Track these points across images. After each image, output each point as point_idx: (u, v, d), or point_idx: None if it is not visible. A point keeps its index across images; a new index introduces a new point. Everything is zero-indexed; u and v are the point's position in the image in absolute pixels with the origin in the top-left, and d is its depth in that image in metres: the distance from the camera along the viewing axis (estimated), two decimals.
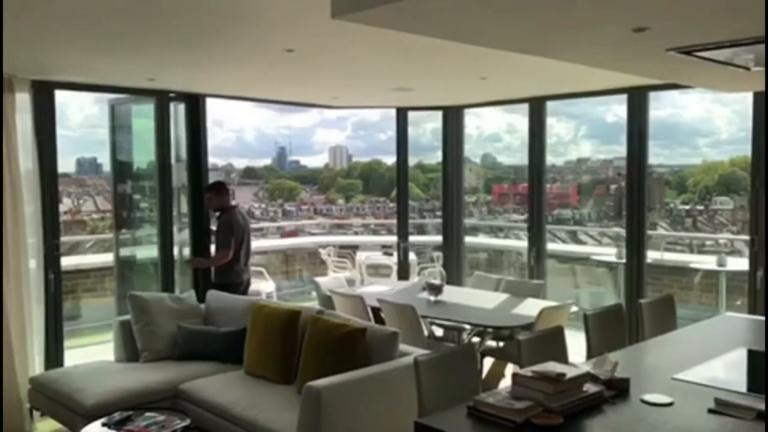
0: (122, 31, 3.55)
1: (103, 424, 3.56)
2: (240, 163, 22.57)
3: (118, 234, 6.21)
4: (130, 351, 4.82)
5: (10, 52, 4.06)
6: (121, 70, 4.86)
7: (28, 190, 4.83)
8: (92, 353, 5.69)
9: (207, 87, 5.78)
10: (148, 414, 3.68)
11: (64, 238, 6.59)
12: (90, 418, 3.82)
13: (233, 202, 5.78)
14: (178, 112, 5.96)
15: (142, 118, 6.05)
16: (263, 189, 21.56)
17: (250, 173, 22.03)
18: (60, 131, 5.25)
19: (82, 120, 6.11)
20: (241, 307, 4.89)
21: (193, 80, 5.35)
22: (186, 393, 4.23)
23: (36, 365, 4.93)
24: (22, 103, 4.78)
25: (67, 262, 6.94)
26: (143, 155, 6.16)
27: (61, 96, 5.32)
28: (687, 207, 12.96)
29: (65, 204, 13.07)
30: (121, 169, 6.26)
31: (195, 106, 5.97)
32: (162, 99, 5.75)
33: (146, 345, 4.76)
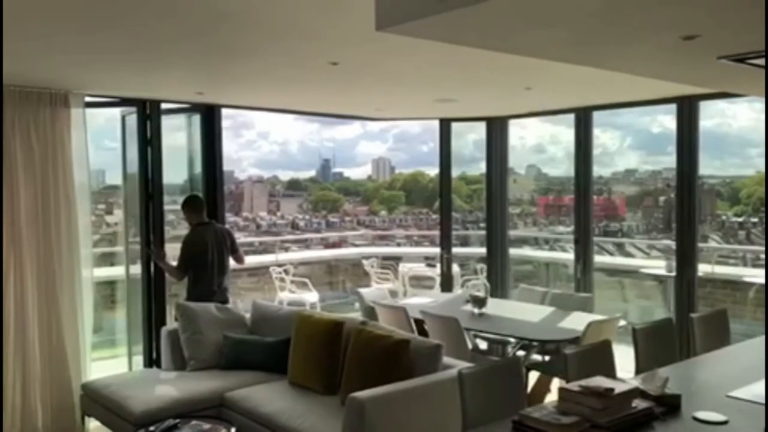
0: (173, 48, 3.65)
1: None
2: (285, 175, 22.89)
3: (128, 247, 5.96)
4: (177, 359, 4.91)
5: (65, 70, 4.22)
6: (171, 85, 4.99)
7: (81, 202, 4.99)
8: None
9: (252, 100, 5.88)
10: (194, 422, 3.75)
11: (110, 249, 6.67)
12: (138, 425, 3.91)
13: (207, 219, 5.44)
14: (193, 122, 6.00)
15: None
16: (307, 201, 21.80)
17: (294, 185, 22.33)
18: (112, 144, 5.39)
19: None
20: (285, 317, 4.93)
21: (239, 93, 5.45)
22: (231, 402, 4.28)
23: (90, 372, 5.06)
24: (76, 119, 4.94)
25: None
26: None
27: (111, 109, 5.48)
28: (740, 219, 12.59)
29: (116, 215, 13.44)
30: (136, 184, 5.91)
31: (210, 116, 5.92)
32: (211, 111, 5.85)
33: (193, 354, 4.84)
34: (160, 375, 4.82)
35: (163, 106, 5.63)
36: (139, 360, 5.68)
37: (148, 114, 5.53)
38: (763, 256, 9.29)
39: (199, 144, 5.97)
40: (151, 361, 5.57)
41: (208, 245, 5.26)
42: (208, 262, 5.25)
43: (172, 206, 6.10)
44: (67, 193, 4.87)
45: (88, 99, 5.03)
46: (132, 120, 5.64)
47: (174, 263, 5.35)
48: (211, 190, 5.93)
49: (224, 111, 5.99)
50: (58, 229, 4.82)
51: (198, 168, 6.05)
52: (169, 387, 4.39)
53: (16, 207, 4.64)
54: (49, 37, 3.39)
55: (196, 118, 5.96)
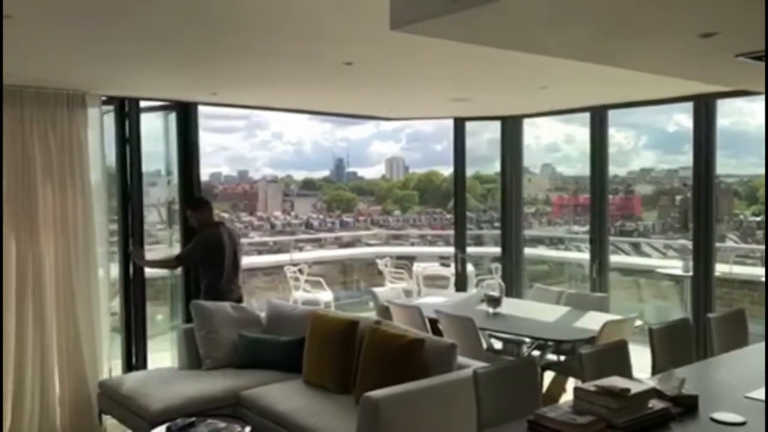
0: (189, 50, 3.67)
1: (168, 430, 3.66)
2: (299, 175, 22.97)
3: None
4: (193, 358, 4.94)
5: (83, 69, 4.26)
6: (186, 86, 5.03)
7: (98, 201, 5.04)
8: None
9: (266, 100, 5.90)
10: (209, 421, 3.76)
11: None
12: (155, 424, 3.93)
13: (218, 219, 5.51)
14: (168, 121, 5.88)
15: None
16: (321, 200, 21.86)
17: (308, 185, 22.40)
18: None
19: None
20: (300, 316, 4.95)
21: (253, 94, 5.47)
22: (246, 401, 4.30)
23: (105, 370, 5.10)
24: (92, 119, 4.99)
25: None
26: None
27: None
28: (758, 218, 12.46)
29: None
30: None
31: (185, 114, 5.74)
32: (186, 109, 5.72)
33: (208, 353, 4.87)
34: (175, 374, 4.85)
35: (141, 104, 5.50)
36: (117, 365, 5.48)
37: (127, 112, 5.44)
38: None
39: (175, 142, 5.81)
40: (130, 367, 5.50)
41: (225, 245, 5.34)
42: (225, 261, 5.32)
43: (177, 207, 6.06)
44: (84, 192, 4.91)
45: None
46: (110, 118, 5.46)
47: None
48: (188, 188, 5.80)
49: (238, 111, 6.04)
50: (75, 228, 4.87)
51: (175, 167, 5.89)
52: (184, 385, 4.42)
53: (35, 206, 4.69)
54: (58, 37, 3.42)
55: (173, 116, 5.80)
